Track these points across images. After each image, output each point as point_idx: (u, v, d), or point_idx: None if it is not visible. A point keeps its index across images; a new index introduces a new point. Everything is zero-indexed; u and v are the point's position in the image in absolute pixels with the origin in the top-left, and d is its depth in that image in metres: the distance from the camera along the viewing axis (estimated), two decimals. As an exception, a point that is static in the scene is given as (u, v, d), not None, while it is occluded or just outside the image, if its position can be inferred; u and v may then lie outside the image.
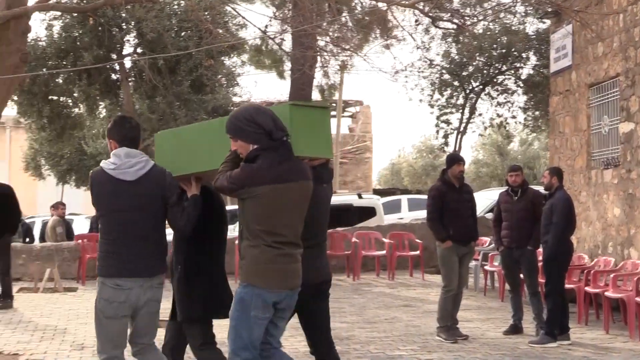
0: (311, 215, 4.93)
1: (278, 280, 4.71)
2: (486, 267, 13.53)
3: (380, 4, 14.41)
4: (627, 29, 12.55)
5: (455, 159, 9.59)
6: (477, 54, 21.96)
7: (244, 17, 14.61)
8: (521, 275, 9.83)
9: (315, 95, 20.71)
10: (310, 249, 4.99)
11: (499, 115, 23.85)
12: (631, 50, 12.39)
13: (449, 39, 22.25)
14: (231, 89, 15.42)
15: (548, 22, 17.61)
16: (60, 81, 12.73)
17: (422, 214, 15.93)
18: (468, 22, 17.72)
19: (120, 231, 5.04)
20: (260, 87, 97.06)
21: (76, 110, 13.40)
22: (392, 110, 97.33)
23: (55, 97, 12.94)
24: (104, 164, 5.12)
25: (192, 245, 5.36)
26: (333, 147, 5.36)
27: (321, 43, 15.76)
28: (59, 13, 11.81)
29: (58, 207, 16.76)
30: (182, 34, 12.53)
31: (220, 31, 12.81)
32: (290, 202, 4.71)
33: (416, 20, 19.47)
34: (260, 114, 4.73)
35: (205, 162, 5.11)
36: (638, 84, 12.12)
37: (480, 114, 24.19)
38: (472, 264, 13.62)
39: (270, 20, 16.43)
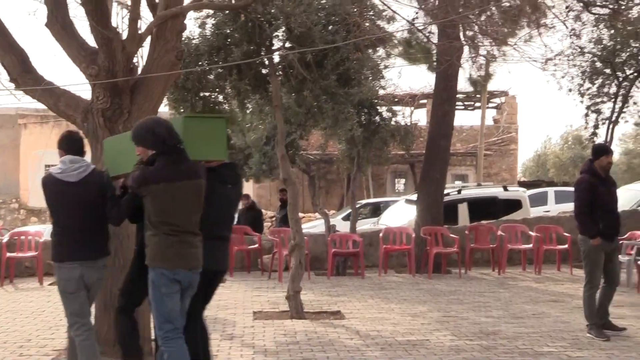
0: (208, 212, 5.87)
1: (176, 262, 5.66)
2: (640, 262, 13.05)
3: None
4: None
5: (604, 150, 9.25)
6: (632, 39, 21.12)
7: (392, 10, 14.59)
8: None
9: (461, 87, 20.48)
10: (208, 241, 5.90)
11: (656, 104, 22.86)
12: None
13: (602, 25, 21.50)
14: (376, 82, 15.48)
15: None
16: (212, 77, 13.13)
17: (570, 206, 15.54)
18: (623, 7, 17.08)
19: (67, 224, 6.19)
20: (405, 79, 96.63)
21: (227, 105, 13.78)
22: (538, 100, 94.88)
23: (207, 93, 13.36)
24: (52, 169, 6.27)
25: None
26: (227, 152, 6.32)
27: (468, 34, 15.59)
28: (212, 11, 12.18)
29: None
30: (330, 27, 12.67)
31: (368, 24, 12.88)
32: (181, 197, 5.69)
33: (567, 7, 18.95)
34: (157, 125, 5.78)
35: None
36: None
37: (635, 103, 23.26)
38: (625, 258, 13.18)
39: (416, 13, 16.35)
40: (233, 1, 11.63)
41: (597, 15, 19.44)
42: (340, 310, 10.97)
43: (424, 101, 33.43)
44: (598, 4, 16.76)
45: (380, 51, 14.74)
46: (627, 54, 22.01)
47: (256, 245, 16.03)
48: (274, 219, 20.91)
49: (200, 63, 12.48)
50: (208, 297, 6.40)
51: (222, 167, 6.21)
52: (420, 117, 40.13)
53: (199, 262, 5.80)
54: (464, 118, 74.63)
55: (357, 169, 17.26)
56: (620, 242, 10.92)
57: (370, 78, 14.98)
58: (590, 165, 9.13)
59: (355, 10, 12.69)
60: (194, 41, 12.76)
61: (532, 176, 49.19)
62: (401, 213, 18.66)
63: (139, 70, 8.30)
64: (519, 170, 47.05)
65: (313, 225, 21.74)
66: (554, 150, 52.87)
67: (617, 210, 9.29)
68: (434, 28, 16.21)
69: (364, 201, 25.91)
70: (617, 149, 49.52)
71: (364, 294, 12.67)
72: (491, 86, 31.52)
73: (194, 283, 5.82)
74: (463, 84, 20.33)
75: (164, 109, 14.23)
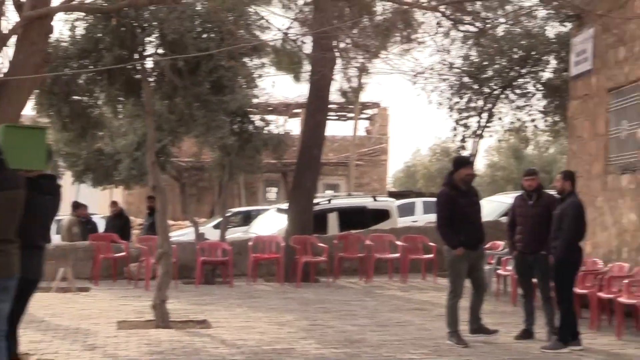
0: (25, 221, 5.91)
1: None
2: (499, 272, 13.55)
3: (402, 6, 14.48)
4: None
5: (462, 162, 9.52)
6: (497, 57, 21.94)
7: (266, 19, 14.68)
8: (534, 280, 9.85)
9: (334, 98, 20.75)
10: (24, 250, 5.96)
11: (518, 119, 23.79)
12: (652, 55, 12.35)
13: (469, 42, 22.23)
14: (250, 90, 15.51)
15: (569, 25, 17.58)
16: (82, 81, 12.84)
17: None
18: (489, 25, 17.74)
19: None
20: (278, 88, 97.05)
21: (97, 110, 13.50)
22: (409, 113, 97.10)
23: (76, 98, 13.05)
24: None
25: None
26: (48, 162, 6.78)
27: (342, 45, 15.83)
28: (82, 14, 11.93)
29: (79, 207, 16.93)
30: (204, 35, 12.60)
31: (242, 32, 12.90)
32: (1, 207, 5.67)
33: (438, 23, 19.51)
34: None
35: None
36: (658, 89, 12.08)
37: (499, 118, 24.14)
38: (486, 267, 13.66)
39: (291, 23, 16.51)
40: (105, 4, 11.44)
41: (465, 33, 20.08)
42: (206, 319, 10.91)
43: (298, 110, 33.69)
44: (466, 21, 17.31)
45: (254, 60, 14.79)
46: (493, 70, 22.84)
47: (123, 253, 15.76)
48: (142, 226, 20.58)
49: (69, 67, 12.20)
50: (23, 305, 6.44)
51: (41, 177, 6.33)
52: (295, 126, 40.37)
53: (15, 269, 5.85)
54: (336, 128, 75.53)
55: (228, 177, 17.22)
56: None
57: (244, 86, 15.00)
58: (450, 178, 9.38)
59: (229, 18, 12.69)
60: (63, 44, 12.46)
61: (402, 187, 50.29)
62: (272, 222, 18.74)
63: (3, 72, 8.06)
64: (389, 180, 48.03)
65: (183, 233, 21.54)
66: (423, 161, 54.23)
67: (480, 220, 9.61)
68: (308, 39, 16.40)
69: (235, 209, 25.87)
70: (483, 162, 51.26)
71: (232, 303, 12.65)
72: (364, 97, 32.06)
73: (9, 289, 5.84)
74: (336, 95, 20.64)
75: (29, 113, 13.83)
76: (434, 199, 24.66)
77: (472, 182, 9.53)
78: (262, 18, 14.66)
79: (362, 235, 16.71)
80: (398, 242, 16.25)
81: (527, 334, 9.70)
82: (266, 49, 15.06)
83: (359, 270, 16.35)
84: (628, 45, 13.17)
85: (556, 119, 23.28)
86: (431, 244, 15.92)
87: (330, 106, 20.63)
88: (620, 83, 13.54)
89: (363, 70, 18.60)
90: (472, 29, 18.36)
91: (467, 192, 9.37)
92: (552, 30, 22.48)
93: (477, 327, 9.65)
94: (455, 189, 9.27)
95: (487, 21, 18.12)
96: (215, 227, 20.90)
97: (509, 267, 12.83)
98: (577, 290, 10.14)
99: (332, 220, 18.35)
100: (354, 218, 18.42)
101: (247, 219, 23.88)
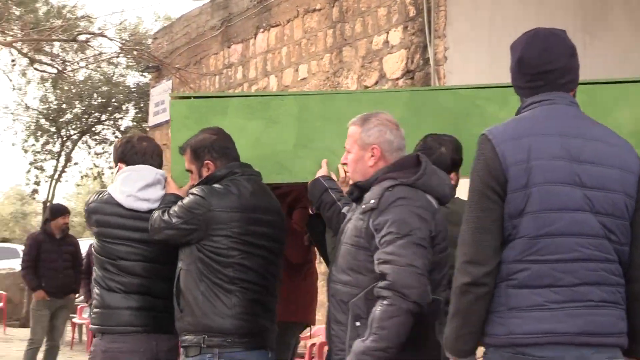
0: None
1: None
2: (75, 320, 13.12)
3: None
4: (222, 90, 13.19)
5: (60, 211, 9.29)
6: (77, 101, 21.68)
7: None
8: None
9: None
10: None
11: (96, 165, 23.62)
12: (225, 111, 13.02)
13: (47, 83, 21.70)
14: None
15: (149, 76, 17.94)
16: None
17: (9, 263, 15.09)
18: (68, 68, 17.42)
19: None
20: None
21: None
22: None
23: None
24: None
25: None
26: None
27: None
28: None
29: None
30: None
31: None
32: None
33: (13, 60, 18.75)
34: None
35: None
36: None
37: (76, 163, 23.78)
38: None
39: None
40: None
41: (43, 73, 19.56)
42: None
43: None
44: (45, 61, 16.80)
45: None
46: (72, 114, 22.51)
47: None
48: None
49: None
50: None
51: None
52: None
53: None
54: None
55: None
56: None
57: None
58: (45, 224, 9.21)
59: None
60: None
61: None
62: None
63: None
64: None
65: None
66: (-5, 204, 51.47)
67: (74, 268, 9.22)
68: None
69: None
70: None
71: None
72: None
73: None
74: None
75: None
76: (6, 245, 23.53)
77: (67, 230, 9.26)
78: None
79: None
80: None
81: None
82: None
83: None
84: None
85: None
86: (1, 292, 14.99)
87: None
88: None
89: None
90: (50, 69, 17.92)
91: (62, 239, 9.05)
92: (132, 79, 22.86)
93: None
94: (46, 234, 9.00)
95: (67, 62, 17.83)
96: None
97: (85, 315, 12.47)
98: None
99: None
100: None
101: None
